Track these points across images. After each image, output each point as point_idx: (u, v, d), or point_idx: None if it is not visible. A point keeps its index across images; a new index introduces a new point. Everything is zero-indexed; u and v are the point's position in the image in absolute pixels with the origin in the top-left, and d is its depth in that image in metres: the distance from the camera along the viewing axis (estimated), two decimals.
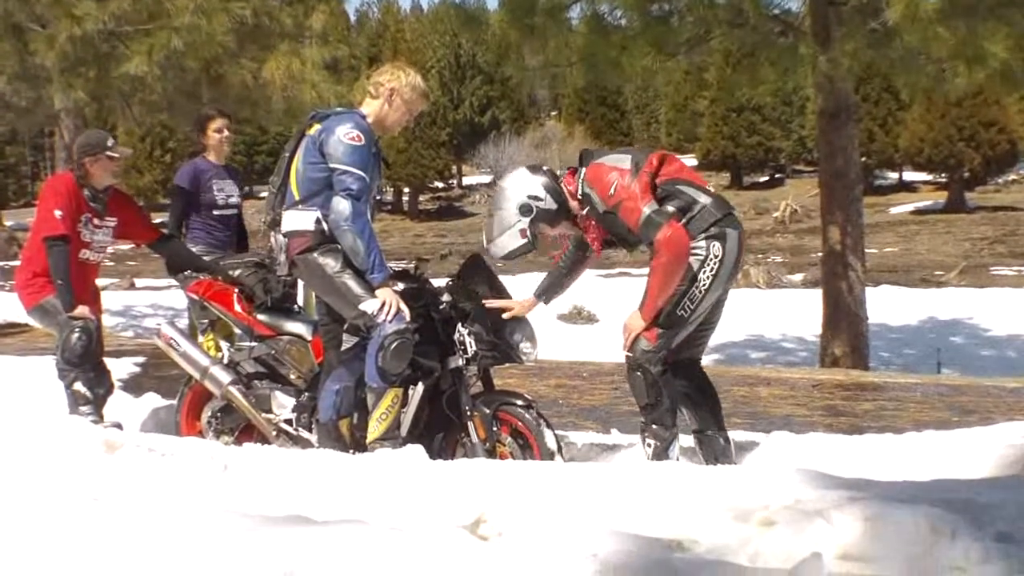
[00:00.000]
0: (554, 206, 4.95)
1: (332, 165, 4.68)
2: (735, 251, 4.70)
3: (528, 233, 4.98)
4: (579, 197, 4.91)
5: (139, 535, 2.76)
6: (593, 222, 4.91)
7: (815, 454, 4.81)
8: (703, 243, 4.65)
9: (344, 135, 4.68)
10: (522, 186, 5.00)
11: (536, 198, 4.96)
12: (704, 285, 4.64)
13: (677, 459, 4.72)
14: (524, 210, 4.96)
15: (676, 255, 4.58)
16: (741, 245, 4.75)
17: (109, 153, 5.71)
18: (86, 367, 5.56)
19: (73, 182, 5.72)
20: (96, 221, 5.76)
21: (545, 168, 5.16)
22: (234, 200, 7.04)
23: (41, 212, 5.66)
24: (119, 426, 5.28)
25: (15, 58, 11.78)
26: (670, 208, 4.67)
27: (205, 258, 6.22)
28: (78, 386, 5.53)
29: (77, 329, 5.50)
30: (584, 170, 4.89)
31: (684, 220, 4.66)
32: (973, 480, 3.69)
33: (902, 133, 47.97)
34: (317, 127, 4.80)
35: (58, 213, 5.56)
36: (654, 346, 4.69)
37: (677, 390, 4.92)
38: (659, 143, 57.61)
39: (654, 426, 4.75)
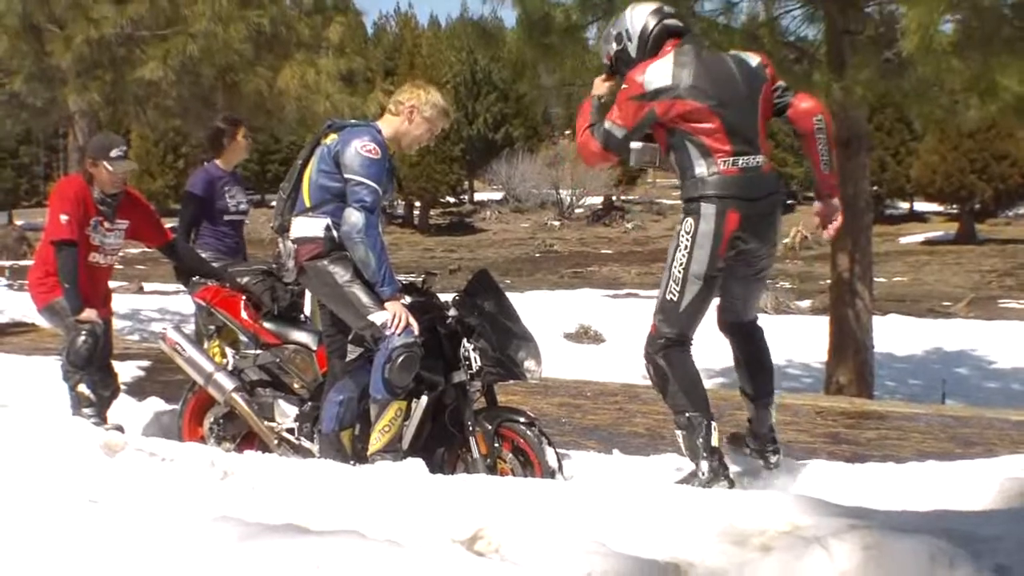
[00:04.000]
0: (635, 56, 4.53)
1: (347, 176, 4.69)
2: (712, 221, 4.34)
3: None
4: None
5: (136, 538, 2.77)
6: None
7: (816, 481, 4.80)
8: (681, 221, 4.44)
9: (361, 148, 4.70)
10: (637, 14, 4.57)
11: (629, 36, 4.54)
12: (681, 264, 4.42)
13: (712, 448, 4.48)
14: (617, 38, 4.60)
15: (581, 154, 4.71)
16: (725, 217, 4.34)
17: (106, 164, 5.66)
18: (91, 370, 5.57)
19: (82, 185, 5.73)
20: (107, 224, 5.77)
21: (671, 25, 4.56)
22: (243, 207, 7.06)
23: (50, 215, 5.68)
24: (120, 429, 5.28)
25: (32, 58, 11.86)
26: (672, 159, 4.41)
27: (214, 265, 6.24)
28: (82, 388, 5.54)
29: (83, 332, 5.52)
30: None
31: (680, 182, 4.44)
32: (974, 512, 3.67)
33: (914, 163, 48.01)
34: (333, 137, 4.83)
35: (63, 218, 5.57)
36: (654, 334, 4.59)
37: (736, 355, 4.84)
38: None
39: (676, 415, 4.57)
